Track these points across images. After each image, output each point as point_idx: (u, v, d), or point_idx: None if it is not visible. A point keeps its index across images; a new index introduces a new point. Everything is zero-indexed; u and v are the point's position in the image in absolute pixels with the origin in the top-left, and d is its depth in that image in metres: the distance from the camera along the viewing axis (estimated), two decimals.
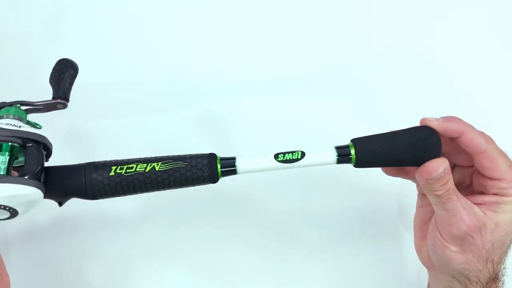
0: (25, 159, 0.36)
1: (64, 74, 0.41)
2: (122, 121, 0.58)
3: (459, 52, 0.62)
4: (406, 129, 0.39)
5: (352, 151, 0.38)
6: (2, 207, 0.34)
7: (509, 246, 0.41)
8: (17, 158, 0.37)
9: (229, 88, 0.60)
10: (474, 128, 0.39)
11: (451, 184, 0.38)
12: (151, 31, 0.63)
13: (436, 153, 0.38)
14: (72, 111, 0.56)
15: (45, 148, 0.38)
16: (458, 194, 0.39)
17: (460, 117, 0.39)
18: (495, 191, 0.39)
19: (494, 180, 0.39)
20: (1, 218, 0.36)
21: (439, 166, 0.38)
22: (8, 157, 0.35)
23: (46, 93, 0.41)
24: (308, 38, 0.62)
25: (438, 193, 0.38)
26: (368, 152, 0.38)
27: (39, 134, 0.37)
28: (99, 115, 0.59)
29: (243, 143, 0.57)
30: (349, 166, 0.40)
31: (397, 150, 0.38)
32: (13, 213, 0.35)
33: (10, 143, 0.35)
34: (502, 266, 0.41)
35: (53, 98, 0.40)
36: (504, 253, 0.41)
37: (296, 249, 0.53)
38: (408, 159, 0.38)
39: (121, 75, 0.61)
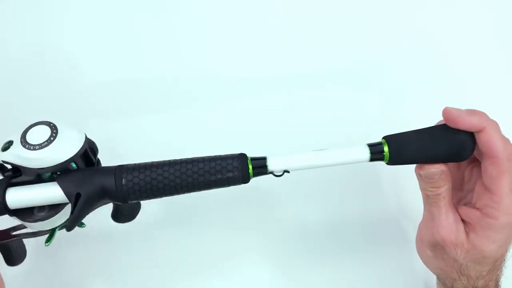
0: None
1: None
2: (140, 121, 0.58)
3: (491, 49, 0.61)
4: (441, 125, 0.38)
5: (385, 148, 0.38)
6: None
7: (492, 266, 0.39)
8: None
9: (254, 84, 0.59)
10: (498, 130, 0.37)
11: (443, 191, 0.38)
12: (164, 28, 0.62)
13: (468, 154, 0.38)
14: (91, 112, 0.56)
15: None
16: (449, 204, 0.39)
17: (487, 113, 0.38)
18: (481, 204, 0.38)
19: (487, 192, 0.37)
20: None
21: (434, 168, 0.38)
22: None
23: None
24: (335, 33, 0.61)
25: (428, 193, 0.39)
26: (400, 149, 0.38)
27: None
28: (114, 115, 0.58)
29: (271, 141, 0.55)
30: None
31: (431, 147, 0.38)
32: None
33: None
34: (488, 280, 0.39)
35: None
36: (484, 271, 0.39)
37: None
38: (442, 156, 0.38)
39: (131, 74, 0.60)
